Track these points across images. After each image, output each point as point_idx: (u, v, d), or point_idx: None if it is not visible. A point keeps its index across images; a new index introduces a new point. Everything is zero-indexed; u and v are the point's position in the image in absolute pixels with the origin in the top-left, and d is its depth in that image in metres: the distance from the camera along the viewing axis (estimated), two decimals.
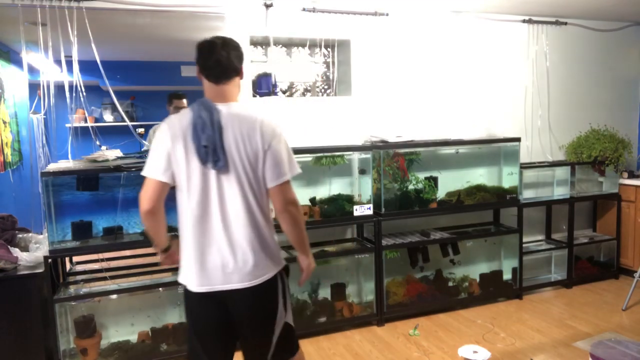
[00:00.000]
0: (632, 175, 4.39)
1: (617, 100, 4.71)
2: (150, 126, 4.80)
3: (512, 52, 4.24)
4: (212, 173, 1.76)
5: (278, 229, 1.93)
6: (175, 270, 3.35)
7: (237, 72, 1.87)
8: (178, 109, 3.77)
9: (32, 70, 4.27)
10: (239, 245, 1.79)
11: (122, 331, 3.18)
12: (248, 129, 1.78)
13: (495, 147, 4.10)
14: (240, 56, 1.87)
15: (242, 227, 1.79)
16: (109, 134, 5.37)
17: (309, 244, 1.98)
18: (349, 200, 3.56)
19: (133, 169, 2.91)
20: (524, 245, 4.05)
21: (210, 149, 1.73)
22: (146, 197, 1.79)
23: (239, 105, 1.86)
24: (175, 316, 3.27)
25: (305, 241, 1.95)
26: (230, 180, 1.77)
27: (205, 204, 1.78)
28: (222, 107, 1.79)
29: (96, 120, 5.94)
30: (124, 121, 3.44)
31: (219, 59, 1.80)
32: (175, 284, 3.10)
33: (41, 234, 3.13)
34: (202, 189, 1.77)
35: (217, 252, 1.79)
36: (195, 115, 1.76)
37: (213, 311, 1.85)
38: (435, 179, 3.79)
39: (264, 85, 3.57)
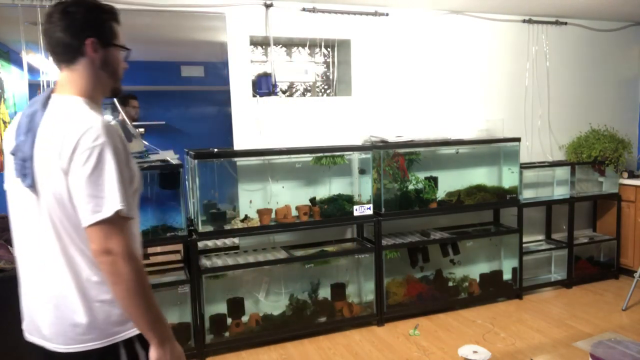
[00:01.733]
0: (632, 175, 4.39)
1: (617, 100, 4.71)
2: (150, 126, 4.81)
3: (512, 52, 4.24)
4: (29, 192, 1.27)
5: None
6: (174, 269, 3.36)
7: (76, 49, 1.29)
8: (135, 108, 3.88)
9: (32, 70, 4.27)
10: (53, 293, 1.29)
11: None
12: (52, 138, 1.22)
13: (495, 147, 4.10)
14: (81, 25, 1.28)
15: (56, 269, 1.27)
16: None
17: (157, 321, 1.25)
18: (349, 200, 3.56)
19: None
20: (524, 245, 4.05)
21: (19, 158, 1.26)
22: None
23: (71, 101, 1.28)
24: (175, 316, 3.27)
25: (145, 317, 1.22)
26: (42, 205, 1.26)
27: (21, 231, 1.33)
28: (53, 103, 1.29)
29: None
30: None
31: (46, 33, 1.29)
32: (175, 284, 3.12)
33: None
34: (20, 210, 1.32)
35: (33, 295, 1.35)
36: (26, 111, 1.30)
37: None
38: (435, 179, 3.79)
39: (264, 85, 3.57)
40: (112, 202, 1.19)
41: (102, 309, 1.28)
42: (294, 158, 3.52)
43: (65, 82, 1.31)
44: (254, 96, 3.55)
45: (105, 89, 1.38)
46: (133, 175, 1.31)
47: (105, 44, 1.33)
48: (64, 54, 1.29)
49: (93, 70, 1.31)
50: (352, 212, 3.49)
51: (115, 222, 1.20)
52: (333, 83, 3.99)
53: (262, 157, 3.48)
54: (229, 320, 3.31)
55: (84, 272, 1.27)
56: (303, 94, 4.05)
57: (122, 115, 3.44)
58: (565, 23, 4.39)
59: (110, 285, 1.21)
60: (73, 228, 1.25)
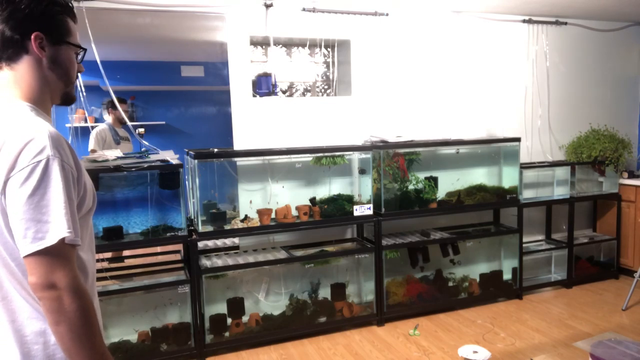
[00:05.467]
0: (632, 175, 4.39)
1: (617, 100, 4.71)
2: (150, 126, 4.81)
3: (512, 52, 4.24)
4: None
5: None
6: (174, 270, 3.36)
7: (18, 45, 1.11)
8: (125, 111, 3.91)
9: None
10: None
11: (122, 331, 3.18)
12: None
13: (495, 147, 4.10)
14: (25, 16, 1.09)
15: None
16: None
17: None
18: (349, 200, 3.56)
19: (133, 169, 2.91)
20: (524, 245, 4.05)
21: None
22: None
23: (13, 107, 1.11)
24: (175, 316, 3.27)
25: None
26: None
27: None
28: None
29: (96, 121, 5.93)
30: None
31: None
32: (175, 284, 3.12)
33: None
34: None
35: None
36: None
37: None
38: (435, 179, 3.79)
39: (264, 85, 3.57)
40: (56, 228, 1.01)
41: (33, 347, 1.09)
42: (294, 158, 3.52)
43: (6, 83, 1.13)
44: (254, 96, 3.55)
45: (54, 94, 1.19)
46: (85, 194, 1.14)
47: (55, 40, 1.15)
48: (4, 50, 1.11)
49: (40, 71, 1.14)
50: (352, 212, 3.48)
51: (61, 252, 1.02)
52: (333, 83, 3.99)
53: (262, 157, 3.48)
54: (229, 320, 3.31)
55: (21, 307, 1.09)
56: (303, 94, 4.04)
57: (122, 113, 3.43)
58: (565, 23, 4.39)
59: (52, 325, 1.03)
60: (12, 259, 1.07)
